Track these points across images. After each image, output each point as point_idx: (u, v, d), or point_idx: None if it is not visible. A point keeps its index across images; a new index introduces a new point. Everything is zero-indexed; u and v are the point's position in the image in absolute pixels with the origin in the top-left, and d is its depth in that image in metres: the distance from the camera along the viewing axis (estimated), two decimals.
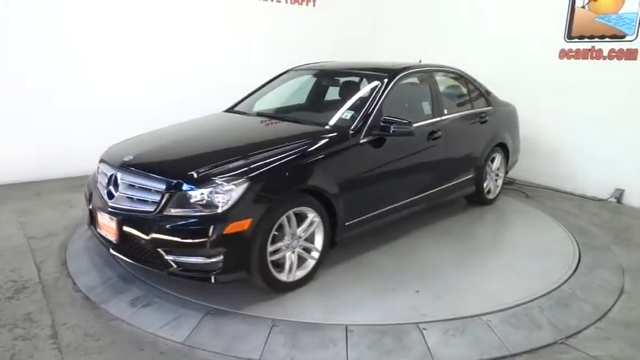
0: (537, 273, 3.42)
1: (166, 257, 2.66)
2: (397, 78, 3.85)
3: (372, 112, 3.51)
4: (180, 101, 5.68)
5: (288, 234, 2.93)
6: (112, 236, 2.88)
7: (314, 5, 6.97)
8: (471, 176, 4.56)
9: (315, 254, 3.12)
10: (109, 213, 2.89)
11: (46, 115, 5.24)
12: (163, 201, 2.71)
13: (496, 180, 4.98)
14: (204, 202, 2.66)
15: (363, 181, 3.36)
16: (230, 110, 4.31)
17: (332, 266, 3.37)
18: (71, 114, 5.36)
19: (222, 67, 6.29)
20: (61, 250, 3.62)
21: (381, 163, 3.50)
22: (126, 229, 2.79)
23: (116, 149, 3.39)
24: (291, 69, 4.68)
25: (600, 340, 2.69)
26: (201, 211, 2.65)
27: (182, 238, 2.62)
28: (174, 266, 2.67)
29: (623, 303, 3.11)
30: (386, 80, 3.78)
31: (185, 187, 2.71)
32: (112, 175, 3.02)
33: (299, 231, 2.98)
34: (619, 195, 5.28)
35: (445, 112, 4.18)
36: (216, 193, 2.66)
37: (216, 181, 2.69)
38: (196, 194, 2.68)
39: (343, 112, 3.63)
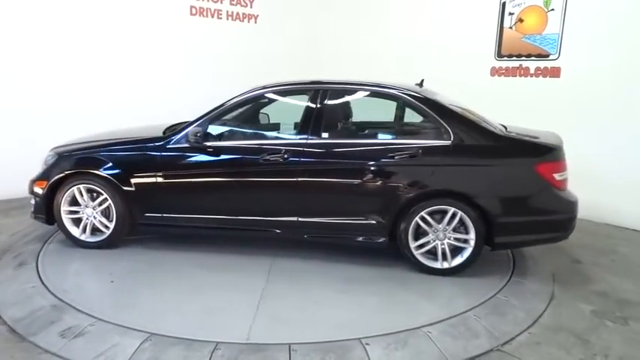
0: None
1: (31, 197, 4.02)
2: (245, 96, 3.89)
3: (192, 123, 3.81)
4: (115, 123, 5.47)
5: (82, 203, 3.86)
6: None
7: (255, 22, 6.98)
8: (372, 222, 3.63)
9: (107, 230, 3.89)
10: None
11: None
12: None
13: (461, 248, 3.56)
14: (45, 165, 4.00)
15: (165, 184, 3.79)
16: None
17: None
18: None
19: (162, 85, 6.16)
20: None
21: (193, 172, 3.82)
22: None
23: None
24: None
25: (532, 346, 2.82)
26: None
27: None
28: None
29: (553, 308, 3.28)
30: (234, 96, 3.88)
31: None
32: None
33: (92, 204, 3.86)
34: None
35: (324, 135, 3.73)
36: (45, 160, 4.01)
37: (48, 154, 4.02)
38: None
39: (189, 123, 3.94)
